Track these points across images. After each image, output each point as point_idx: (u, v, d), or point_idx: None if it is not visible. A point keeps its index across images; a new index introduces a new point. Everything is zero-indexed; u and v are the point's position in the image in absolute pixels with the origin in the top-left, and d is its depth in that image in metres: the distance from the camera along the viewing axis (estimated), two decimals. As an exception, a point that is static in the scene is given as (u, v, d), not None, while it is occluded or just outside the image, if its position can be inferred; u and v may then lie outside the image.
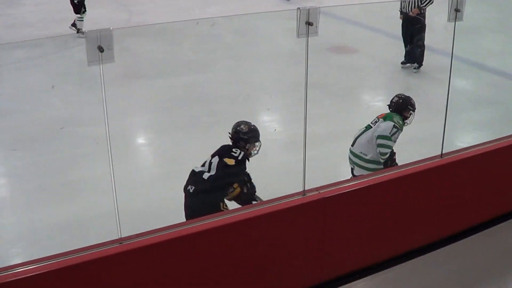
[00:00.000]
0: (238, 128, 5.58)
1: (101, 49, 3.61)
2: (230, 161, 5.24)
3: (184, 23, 12.56)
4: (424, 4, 10.54)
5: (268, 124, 8.67)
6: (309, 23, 4.05)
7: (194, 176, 5.26)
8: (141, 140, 8.59)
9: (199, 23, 11.93)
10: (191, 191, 5.20)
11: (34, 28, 14.04)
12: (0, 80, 9.70)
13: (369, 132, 6.13)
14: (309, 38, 4.11)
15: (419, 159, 5.27)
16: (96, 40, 3.61)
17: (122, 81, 9.44)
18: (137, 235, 3.92)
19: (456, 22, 4.98)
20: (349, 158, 6.28)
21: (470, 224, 5.65)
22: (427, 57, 10.71)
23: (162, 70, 10.65)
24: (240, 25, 12.22)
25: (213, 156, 5.38)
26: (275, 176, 6.66)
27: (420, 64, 10.82)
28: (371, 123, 6.21)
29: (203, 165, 5.32)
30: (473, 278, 5.04)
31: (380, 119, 6.19)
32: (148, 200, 6.49)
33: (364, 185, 4.81)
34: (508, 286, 5.06)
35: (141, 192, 6.60)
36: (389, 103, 6.35)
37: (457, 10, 4.92)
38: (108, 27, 3.70)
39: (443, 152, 5.35)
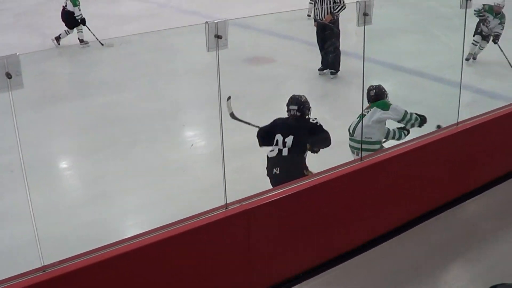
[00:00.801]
0: (300, 99, 6.22)
1: (9, 76, 3.54)
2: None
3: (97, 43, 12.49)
4: (337, 10, 10.66)
5: (189, 139, 8.67)
6: (218, 36, 4.06)
7: (274, 159, 6.00)
8: (61, 165, 8.42)
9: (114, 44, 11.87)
10: (277, 172, 5.93)
11: None
12: None
13: (368, 118, 6.61)
14: (220, 51, 4.13)
15: (341, 163, 5.35)
16: (3, 66, 3.53)
17: (39, 105, 9.28)
18: (60, 262, 3.85)
19: (365, 26, 5.06)
20: (351, 146, 6.74)
21: (396, 224, 5.75)
22: (344, 62, 10.86)
23: (79, 92, 10.53)
24: (156, 42, 12.16)
25: (284, 135, 6.04)
26: (198, 192, 6.66)
27: (336, 70, 10.94)
28: (365, 111, 6.63)
29: (272, 151, 6.04)
30: (405, 277, 5.12)
31: (374, 108, 6.67)
32: (72, 225, 6.38)
33: (286, 194, 4.80)
34: (438, 282, 5.18)
35: (64, 218, 6.49)
36: (368, 97, 6.79)
37: (365, 14, 5.01)
38: (15, 52, 3.64)
39: (362, 155, 5.46)
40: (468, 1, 5.82)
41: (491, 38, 11.68)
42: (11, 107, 3.58)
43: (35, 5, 20.05)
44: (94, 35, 13.12)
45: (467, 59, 11.62)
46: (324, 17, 10.74)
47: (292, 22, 12.96)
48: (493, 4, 11.37)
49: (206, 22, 4.03)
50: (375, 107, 6.70)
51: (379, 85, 6.94)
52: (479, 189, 6.53)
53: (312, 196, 5.02)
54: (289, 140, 6.00)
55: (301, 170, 5.98)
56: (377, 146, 6.66)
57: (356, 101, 5.41)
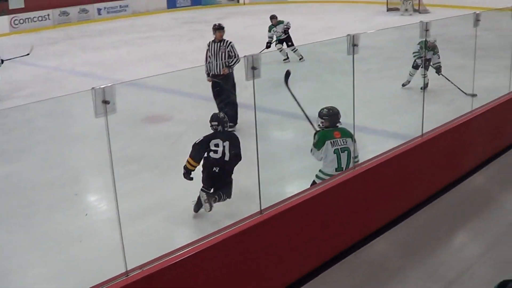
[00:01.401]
0: (220, 116, 7.70)
1: None
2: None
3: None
4: (233, 63, 10.78)
5: (87, 206, 8.45)
6: (106, 102, 4.00)
7: (216, 160, 7.35)
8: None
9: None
10: (217, 171, 7.38)
11: None
12: None
13: (348, 149, 6.86)
14: (114, 114, 4.08)
15: (242, 217, 5.32)
16: None
17: None
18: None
19: (254, 80, 5.11)
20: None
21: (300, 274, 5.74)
22: (241, 114, 10.89)
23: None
24: (51, 108, 11.91)
25: (223, 141, 7.42)
26: (98, 259, 6.47)
27: (234, 123, 10.83)
28: (341, 142, 6.89)
29: (215, 152, 7.34)
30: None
31: (344, 138, 6.92)
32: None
33: (189, 254, 4.71)
34: None
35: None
36: (335, 120, 7.12)
37: (254, 68, 5.06)
38: None
39: (262, 208, 5.44)
40: (355, 47, 6.01)
41: (434, 71, 12.57)
42: None
43: None
44: None
45: (403, 85, 13.17)
46: (220, 72, 10.80)
47: (186, 78, 12.97)
48: (427, 40, 11.77)
49: (93, 88, 3.97)
50: (349, 139, 6.90)
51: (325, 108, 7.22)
52: (381, 229, 6.65)
53: (214, 255, 4.95)
54: (227, 145, 7.37)
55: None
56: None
57: (254, 153, 5.40)
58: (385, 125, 10.76)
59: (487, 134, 8.70)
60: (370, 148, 8.46)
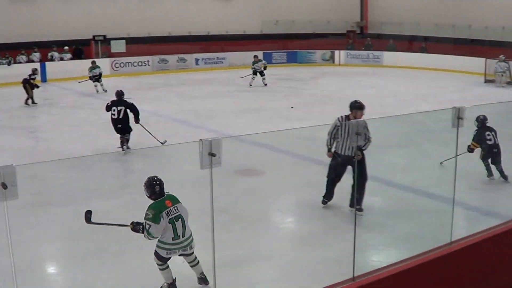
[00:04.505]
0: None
1: (4, 186, 3.59)
2: None
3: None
4: (366, 147, 9.44)
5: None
6: (212, 154, 4.14)
7: None
8: (50, 270, 8.35)
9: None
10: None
11: None
12: None
13: (181, 216, 6.87)
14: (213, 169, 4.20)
15: (330, 283, 5.32)
16: (-2, 177, 3.58)
17: (29, 209, 9.27)
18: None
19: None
20: (176, 248, 6.84)
21: None
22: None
23: (70, 198, 10.50)
24: (148, 152, 12.29)
25: None
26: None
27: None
28: (174, 211, 6.85)
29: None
30: None
31: (175, 205, 6.90)
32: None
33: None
34: None
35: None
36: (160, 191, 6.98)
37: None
38: (11, 163, 3.70)
39: (355, 275, 5.43)
40: (460, 120, 5.97)
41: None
42: (6, 219, 3.62)
43: (27, 107, 20.47)
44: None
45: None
46: (352, 154, 9.30)
47: (283, 135, 13.13)
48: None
49: (200, 139, 4.10)
50: (179, 204, 6.92)
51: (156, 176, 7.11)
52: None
53: None
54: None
55: None
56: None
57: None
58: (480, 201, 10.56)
59: None
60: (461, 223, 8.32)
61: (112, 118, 13.92)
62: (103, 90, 24.41)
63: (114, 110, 13.92)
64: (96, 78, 24.68)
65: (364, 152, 9.33)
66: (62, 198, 10.50)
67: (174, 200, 6.90)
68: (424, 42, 34.23)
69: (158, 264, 6.95)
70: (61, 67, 28.34)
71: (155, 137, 13.56)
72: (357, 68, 33.45)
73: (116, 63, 30.95)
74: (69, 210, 9.82)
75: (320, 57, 36.52)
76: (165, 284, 6.99)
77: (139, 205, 10.11)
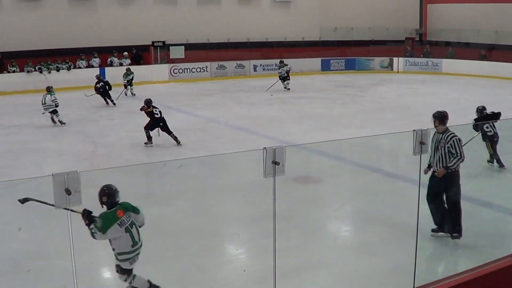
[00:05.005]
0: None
1: (68, 192, 3.58)
2: None
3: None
4: (453, 164, 8.51)
5: (234, 258, 8.58)
6: (275, 163, 4.07)
7: None
8: (106, 275, 8.38)
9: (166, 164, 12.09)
10: None
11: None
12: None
13: (134, 222, 6.80)
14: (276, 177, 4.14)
15: None
16: (63, 183, 3.57)
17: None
18: None
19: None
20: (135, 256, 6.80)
21: None
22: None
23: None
24: (207, 160, 12.30)
25: None
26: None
27: (459, 233, 8.58)
28: (127, 219, 6.71)
29: None
30: None
31: (128, 213, 6.77)
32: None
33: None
34: None
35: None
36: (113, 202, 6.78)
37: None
38: (72, 168, 3.69)
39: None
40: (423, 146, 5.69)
41: None
42: (69, 225, 3.62)
43: (87, 112, 20.78)
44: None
45: None
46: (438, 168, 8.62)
47: (342, 142, 13.01)
48: None
49: (264, 148, 4.05)
50: (130, 211, 6.78)
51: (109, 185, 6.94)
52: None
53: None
54: None
55: None
56: None
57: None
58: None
59: None
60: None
61: (155, 117, 15.61)
62: (132, 94, 25.53)
63: (156, 110, 15.71)
64: (129, 83, 25.79)
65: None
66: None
67: (126, 208, 6.78)
68: (484, 49, 33.61)
69: (125, 280, 6.89)
70: (120, 72, 28.81)
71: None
72: (415, 76, 33.01)
73: (175, 69, 31.23)
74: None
75: (379, 64, 36.20)
76: None
77: (196, 209, 10.25)
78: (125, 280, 6.84)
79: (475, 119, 12.25)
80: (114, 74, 27.73)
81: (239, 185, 10.82)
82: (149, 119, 15.69)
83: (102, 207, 6.70)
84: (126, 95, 25.35)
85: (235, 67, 32.98)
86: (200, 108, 21.79)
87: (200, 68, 31.66)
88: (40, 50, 28.34)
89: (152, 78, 30.03)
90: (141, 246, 6.83)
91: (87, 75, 26.08)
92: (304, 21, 35.55)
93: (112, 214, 6.62)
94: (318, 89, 26.74)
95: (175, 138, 15.46)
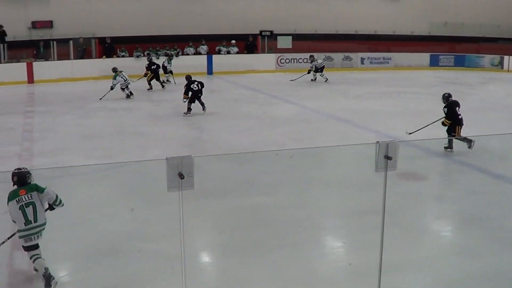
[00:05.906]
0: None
1: (181, 176, 3.63)
2: None
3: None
4: None
5: (336, 250, 8.54)
6: (388, 157, 4.01)
7: None
8: (204, 259, 8.50)
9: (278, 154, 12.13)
10: None
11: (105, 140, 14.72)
12: (71, 192, 9.76)
13: (33, 202, 7.14)
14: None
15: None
16: (176, 167, 3.62)
17: (188, 199, 9.50)
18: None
19: None
20: (31, 234, 7.10)
21: None
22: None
23: (229, 190, 10.66)
24: (312, 149, 12.27)
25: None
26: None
27: None
28: (26, 198, 7.10)
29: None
30: None
31: (30, 193, 7.17)
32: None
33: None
34: None
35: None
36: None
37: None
38: (189, 154, 3.74)
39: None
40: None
41: None
42: (180, 208, 3.67)
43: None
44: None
45: None
46: None
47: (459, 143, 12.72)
48: None
49: (377, 142, 4.00)
50: (34, 192, 7.11)
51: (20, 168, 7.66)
52: None
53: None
54: None
55: None
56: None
57: None
58: None
59: None
60: None
61: (193, 90, 18.21)
62: (174, 82, 25.20)
63: (194, 83, 18.30)
64: (171, 71, 26.02)
65: None
66: (222, 190, 10.64)
67: (31, 188, 7.16)
68: None
69: (30, 258, 7.17)
70: (227, 60, 29.02)
71: None
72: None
73: (282, 59, 31.30)
74: (227, 203, 9.97)
75: (489, 62, 35.09)
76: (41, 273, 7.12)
77: (294, 198, 10.23)
78: (30, 258, 7.18)
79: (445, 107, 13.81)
80: (221, 62, 28.08)
81: (342, 178, 10.73)
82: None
83: (13, 185, 7.23)
84: (168, 81, 25.83)
85: (342, 59, 32.70)
86: (304, 99, 21.75)
87: (306, 58, 31.51)
88: (149, 36, 29.09)
89: (258, 67, 30.27)
90: (39, 226, 7.13)
91: (195, 61, 26.46)
92: (414, 15, 34.79)
93: (16, 191, 7.14)
94: (426, 85, 26.13)
95: (203, 104, 18.23)
